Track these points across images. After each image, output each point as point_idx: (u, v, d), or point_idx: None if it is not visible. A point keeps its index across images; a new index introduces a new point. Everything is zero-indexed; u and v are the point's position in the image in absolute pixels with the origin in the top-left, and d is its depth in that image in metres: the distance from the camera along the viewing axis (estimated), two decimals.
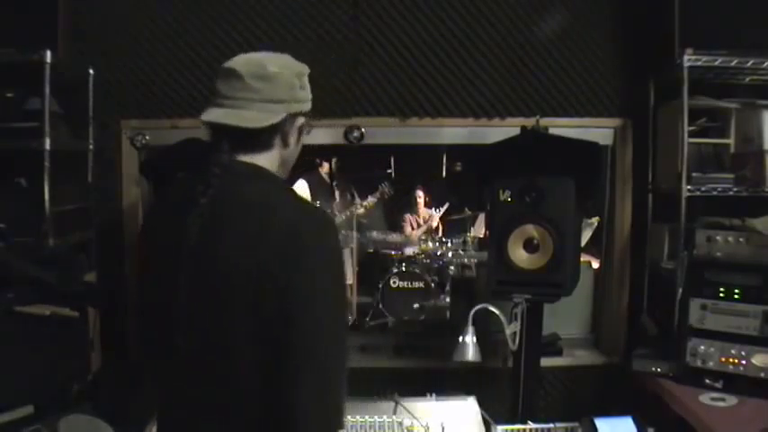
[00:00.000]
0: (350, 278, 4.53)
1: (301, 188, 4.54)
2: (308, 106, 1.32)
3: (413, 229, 5.24)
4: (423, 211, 5.30)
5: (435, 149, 5.40)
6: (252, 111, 1.22)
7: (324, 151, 4.51)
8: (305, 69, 1.32)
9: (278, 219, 1.13)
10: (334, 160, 4.55)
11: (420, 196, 5.26)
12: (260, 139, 1.25)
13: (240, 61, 1.25)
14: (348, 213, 4.44)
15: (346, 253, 4.56)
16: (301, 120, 1.29)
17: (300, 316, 1.08)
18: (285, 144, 1.28)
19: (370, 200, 4.52)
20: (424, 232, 5.18)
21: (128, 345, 2.54)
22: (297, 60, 1.32)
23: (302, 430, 1.06)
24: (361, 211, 4.53)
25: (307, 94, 1.31)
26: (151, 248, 1.31)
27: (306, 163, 4.53)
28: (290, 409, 1.06)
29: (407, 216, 5.27)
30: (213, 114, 1.23)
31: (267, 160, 1.26)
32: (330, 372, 1.10)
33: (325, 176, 4.55)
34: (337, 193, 4.58)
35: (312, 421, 1.06)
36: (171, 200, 1.33)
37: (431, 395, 2.07)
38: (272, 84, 1.24)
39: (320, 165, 4.61)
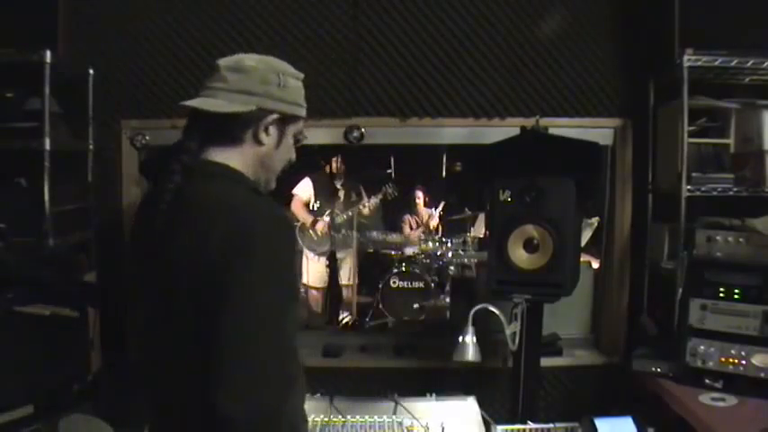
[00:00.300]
0: (351, 278, 4.54)
1: (306, 187, 4.55)
2: (290, 108, 1.30)
3: (411, 229, 5.24)
4: (422, 211, 5.30)
5: (435, 149, 5.41)
6: (218, 99, 1.24)
7: (332, 151, 4.52)
8: (290, 70, 1.32)
9: (228, 218, 1.12)
10: (338, 160, 4.55)
11: (419, 197, 5.27)
12: (227, 130, 1.25)
13: (226, 58, 1.29)
14: (349, 213, 4.45)
15: (344, 253, 4.58)
16: (275, 116, 1.27)
17: (231, 315, 1.05)
18: (257, 140, 1.27)
19: (373, 200, 4.53)
20: (423, 232, 5.18)
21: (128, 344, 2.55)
22: (294, 68, 1.33)
23: (224, 407, 1.00)
24: (366, 211, 4.54)
25: (289, 95, 1.30)
26: (128, 248, 1.37)
27: (311, 162, 4.55)
28: (217, 410, 1.00)
29: (407, 217, 5.28)
30: (187, 102, 1.25)
31: (239, 158, 1.26)
32: (260, 373, 1.04)
33: (334, 179, 4.57)
34: (342, 193, 4.58)
35: (237, 422, 1.00)
36: (146, 201, 1.34)
37: (431, 395, 2.07)
38: (244, 75, 1.25)
39: (325, 165, 4.62)
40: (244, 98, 1.24)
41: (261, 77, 1.26)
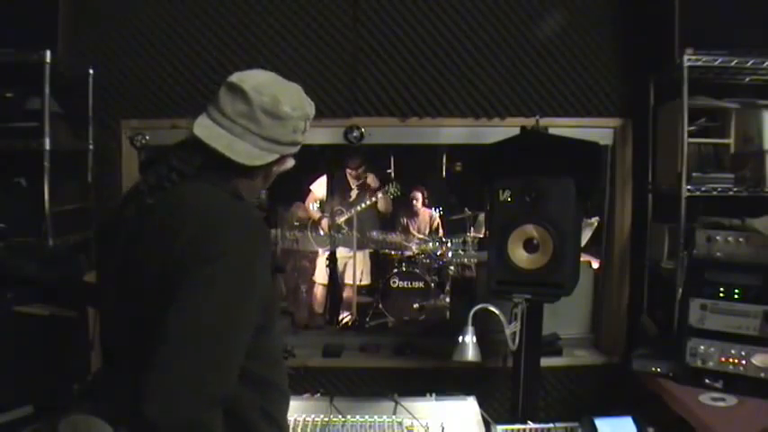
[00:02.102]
0: (359, 278, 4.54)
1: (322, 185, 4.59)
2: (298, 147, 1.30)
3: (411, 233, 5.22)
4: (422, 212, 5.28)
5: (435, 149, 5.40)
6: (247, 143, 1.19)
7: (353, 152, 4.54)
8: (312, 111, 1.30)
9: (199, 219, 1.12)
10: (358, 163, 4.58)
11: (417, 199, 5.24)
12: (243, 171, 1.22)
13: (253, 83, 1.20)
14: (351, 212, 4.46)
15: (345, 252, 4.58)
16: (291, 163, 1.29)
17: (175, 316, 1.03)
18: (266, 180, 1.29)
19: (374, 201, 4.53)
20: (427, 233, 5.17)
21: None
22: (305, 95, 1.29)
23: (143, 408, 0.97)
24: (381, 207, 4.57)
25: (305, 138, 1.29)
26: (101, 240, 1.36)
27: (333, 161, 4.58)
28: (139, 409, 0.98)
29: (407, 221, 5.26)
30: (206, 131, 1.19)
31: (238, 182, 1.24)
32: (186, 380, 1.00)
33: (349, 176, 4.59)
34: (354, 193, 4.60)
35: (154, 425, 0.97)
36: (129, 196, 1.31)
37: (431, 395, 2.07)
38: (278, 123, 1.21)
39: (347, 164, 4.64)
40: (272, 147, 1.22)
41: (293, 127, 1.23)
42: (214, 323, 1.05)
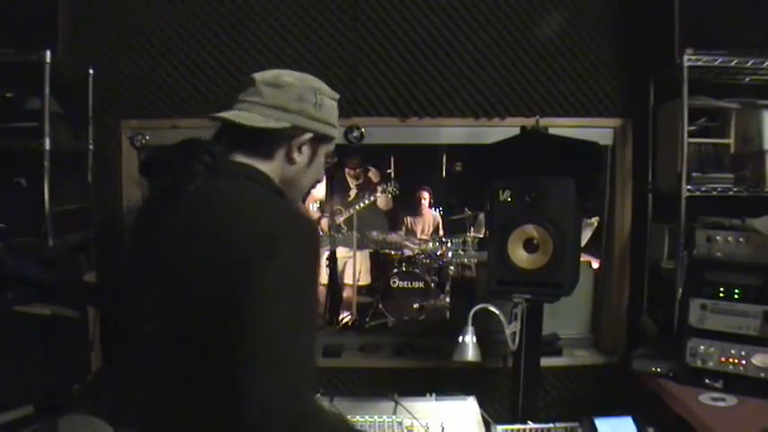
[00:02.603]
0: (358, 278, 4.54)
1: (320, 185, 4.60)
2: (324, 128, 1.29)
3: (414, 233, 5.23)
4: (426, 212, 5.28)
5: (435, 149, 5.41)
6: (252, 113, 1.22)
7: (351, 152, 4.55)
8: (326, 89, 1.30)
9: (252, 218, 1.12)
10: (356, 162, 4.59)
11: (425, 198, 5.24)
12: (259, 143, 1.23)
13: (263, 71, 1.27)
14: (350, 211, 4.47)
15: (345, 252, 4.59)
16: (309, 135, 1.26)
17: (258, 321, 1.03)
18: (289, 159, 1.26)
19: (378, 197, 4.54)
20: (430, 234, 5.18)
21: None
22: (298, 70, 1.31)
23: (253, 408, 0.99)
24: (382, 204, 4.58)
25: (324, 114, 1.29)
26: (132, 249, 1.32)
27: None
28: (247, 419, 0.99)
29: (409, 220, 5.26)
30: (220, 114, 1.23)
31: (267, 169, 1.25)
32: (287, 377, 1.02)
33: (348, 176, 4.60)
34: (353, 192, 4.60)
35: (263, 397, 0.99)
36: (156, 200, 1.31)
37: (431, 395, 2.07)
38: (280, 91, 1.23)
39: (345, 164, 4.63)
40: (279, 114, 1.22)
41: (297, 94, 1.24)
42: (299, 318, 1.07)
